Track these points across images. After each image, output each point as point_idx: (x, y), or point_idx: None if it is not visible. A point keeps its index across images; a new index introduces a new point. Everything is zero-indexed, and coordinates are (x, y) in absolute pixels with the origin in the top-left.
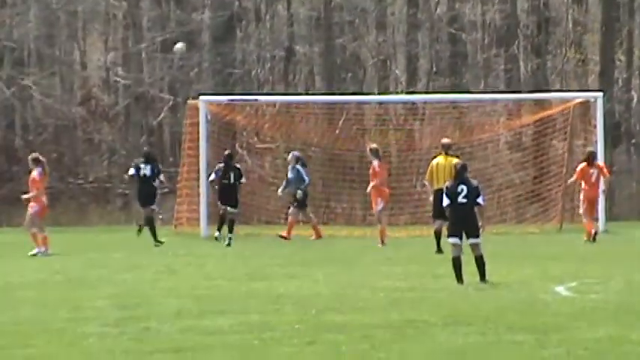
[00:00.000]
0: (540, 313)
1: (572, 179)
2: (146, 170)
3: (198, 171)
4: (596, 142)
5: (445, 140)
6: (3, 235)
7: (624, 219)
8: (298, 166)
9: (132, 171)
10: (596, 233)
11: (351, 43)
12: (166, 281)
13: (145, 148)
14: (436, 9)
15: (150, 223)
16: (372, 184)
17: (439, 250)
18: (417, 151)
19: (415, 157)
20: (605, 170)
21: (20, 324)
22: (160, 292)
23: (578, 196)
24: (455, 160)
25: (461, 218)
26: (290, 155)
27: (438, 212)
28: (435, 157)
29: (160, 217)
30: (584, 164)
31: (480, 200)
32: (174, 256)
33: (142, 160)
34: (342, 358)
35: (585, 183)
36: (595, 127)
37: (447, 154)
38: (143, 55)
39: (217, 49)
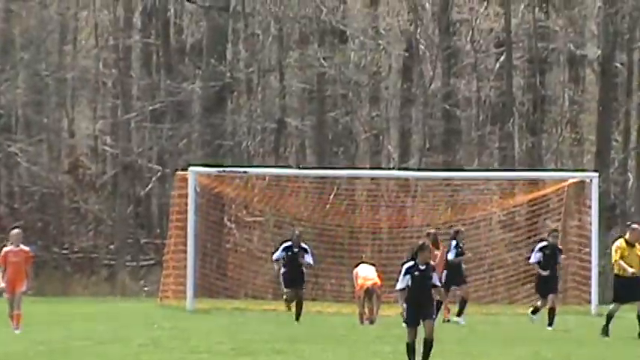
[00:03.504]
0: None
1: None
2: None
3: (185, 243)
4: (590, 223)
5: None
6: None
7: None
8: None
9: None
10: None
11: (344, 117)
12: (151, 354)
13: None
14: (430, 84)
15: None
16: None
17: (606, 333)
18: (408, 228)
19: (406, 235)
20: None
21: None
22: None
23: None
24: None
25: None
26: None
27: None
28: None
29: (145, 289)
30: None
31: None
32: (159, 329)
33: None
34: None
35: None
36: (590, 207)
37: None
38: (132, 124)
39: (207, 120)
